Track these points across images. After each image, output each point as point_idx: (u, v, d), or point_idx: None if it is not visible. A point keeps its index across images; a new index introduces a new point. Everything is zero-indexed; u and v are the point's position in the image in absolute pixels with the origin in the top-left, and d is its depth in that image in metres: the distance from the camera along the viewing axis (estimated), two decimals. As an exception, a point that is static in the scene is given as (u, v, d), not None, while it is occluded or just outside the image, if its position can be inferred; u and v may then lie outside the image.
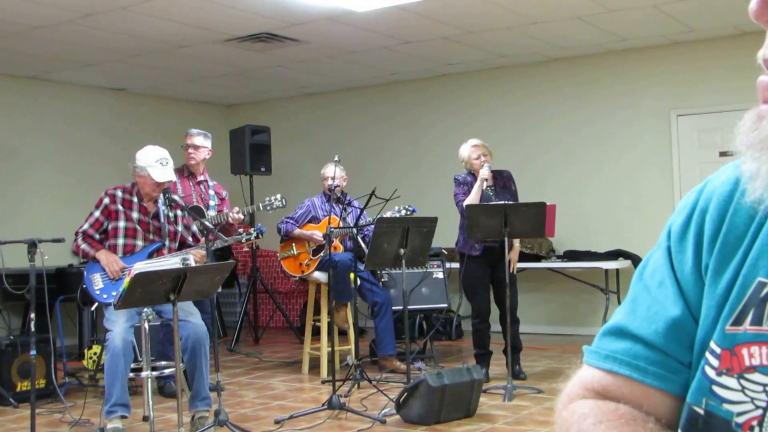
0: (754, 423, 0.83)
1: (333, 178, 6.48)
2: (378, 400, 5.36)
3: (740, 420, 0.84)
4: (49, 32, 6.82)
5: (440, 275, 7.03)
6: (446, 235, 7.62)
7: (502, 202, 5.92)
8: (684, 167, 7.89)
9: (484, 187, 6.00)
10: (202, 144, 6.33)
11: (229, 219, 6.06)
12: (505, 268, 5.71)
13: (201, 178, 6.38)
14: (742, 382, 0.85)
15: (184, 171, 6.33)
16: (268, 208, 6.29)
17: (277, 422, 4.97)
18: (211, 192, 6.28)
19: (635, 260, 7.72)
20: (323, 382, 6.21)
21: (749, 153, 0.82)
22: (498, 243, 5.86)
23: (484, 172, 5.93)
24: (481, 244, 5.99)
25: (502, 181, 6.21)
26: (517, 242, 6.23)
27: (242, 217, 6.18)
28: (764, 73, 0.82)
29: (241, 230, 6.07)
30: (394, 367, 6.36)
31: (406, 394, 4.89)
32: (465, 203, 5.90)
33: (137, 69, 8.35)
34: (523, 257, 7.27)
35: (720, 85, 7.42)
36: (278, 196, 6.33)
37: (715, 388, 0.87)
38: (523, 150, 8.55)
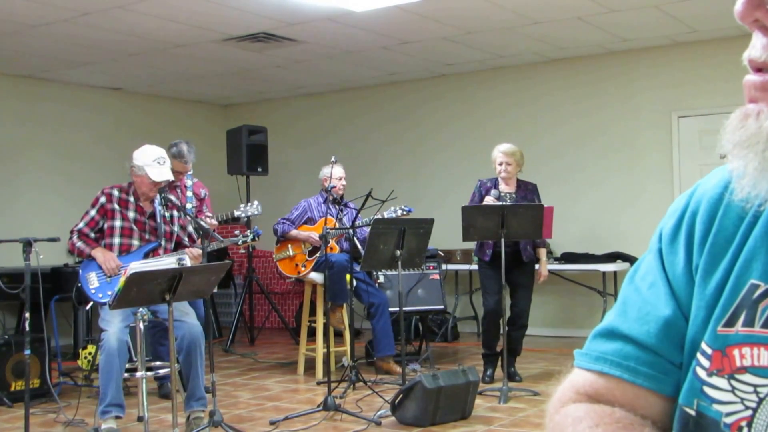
0: (743, 423, 0.83)
1: (339, 179, 6.46)
2: (373, 402, 5.34)
3: (729, 420, 0.84)
4: (45, 31, 6.79)
5: (436, 277, 7.00)
6: (443, 237, 7.60)
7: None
8: (685, 169, 7.86)
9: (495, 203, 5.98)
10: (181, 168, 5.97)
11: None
12: (523, 273, 5.96)
13: (177, 182, 6.28)
14: (733, 382, 0.85)
15: None
16: (242, 215, 6.20)
17: (272, 423, 4.96)
18: (189, 194, 6.14)
19: (633, 263, 7.65)
20: (318, 384, 6.19)
21: (735, 151, 0.83)
22: (509, 248, 5.79)
23: (489, 200, 5.92)
24: (491, 250, 5.97)
25: (523, 191, 6.15)
26: (543, 255, 6.24)
27: (216, 222, 6.11)
28: (750, 73, 0.83)
29: (237, 231, 6.03)
30: (390, 369, 6.34)
31: (401, 395, 4.88)
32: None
33: (134, 68, 8.33)
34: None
35: (722, 87, 7.39)
36: (255, 203, 6.20)
37: (706, 389, 0.87)
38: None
